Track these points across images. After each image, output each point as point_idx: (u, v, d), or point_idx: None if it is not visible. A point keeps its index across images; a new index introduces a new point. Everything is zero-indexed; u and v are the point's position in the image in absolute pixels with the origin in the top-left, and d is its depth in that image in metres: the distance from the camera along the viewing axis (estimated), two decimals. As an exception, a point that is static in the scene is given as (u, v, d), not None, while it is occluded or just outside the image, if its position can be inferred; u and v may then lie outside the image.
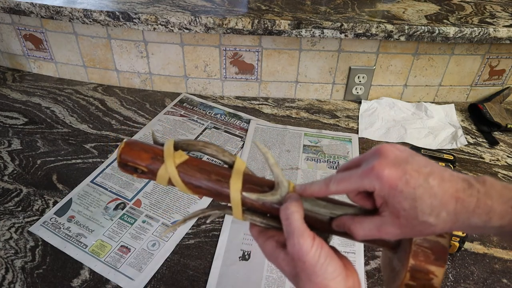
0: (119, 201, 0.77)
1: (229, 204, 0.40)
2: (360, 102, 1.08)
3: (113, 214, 0.75)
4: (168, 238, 0.71)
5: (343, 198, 0.40)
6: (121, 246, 0.70)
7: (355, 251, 0.70)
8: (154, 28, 0.95)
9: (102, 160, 0.86)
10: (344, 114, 1.04)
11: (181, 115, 1.01)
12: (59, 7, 0.95)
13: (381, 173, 0.34)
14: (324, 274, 0.35)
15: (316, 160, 0.89)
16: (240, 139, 0.94)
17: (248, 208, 0.40)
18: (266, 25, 0.93)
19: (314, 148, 0.92)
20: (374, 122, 1.01)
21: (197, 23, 0.93)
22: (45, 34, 1.06)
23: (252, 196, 0.39)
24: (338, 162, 0.88)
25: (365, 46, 1.00)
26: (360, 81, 1.05)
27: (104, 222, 0.73)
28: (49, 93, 1.07)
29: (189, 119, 1.00)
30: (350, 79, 1.05)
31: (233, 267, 0.67)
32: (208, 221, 0.74)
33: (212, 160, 0.78)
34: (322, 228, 0.40)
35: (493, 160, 0.91)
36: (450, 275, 0.67)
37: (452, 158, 0.84)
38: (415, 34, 0.94)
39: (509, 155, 0.93)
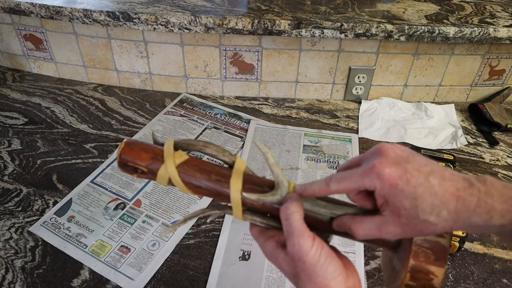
0: (119, 201, 0.77)
1: (229, 204, 0.40)
2: (360, 102, 1.08)
3: (113, 214, 0.75)
4: (168, 238, 0.71)
5: (343, 198, 0.40)
6: (121, 246, 0.70)
7: (355, 251, 0.70)
8: (154, 28, 0.95)
9: (102, 160, 0.86)
10: (344, 114, 1.04)
11: (181, 115, 1.01)
12: (59, 7, 0.95)
13: (381, 172, 0.34)
14: (324, 274, 0.35)
15: (316, 160, 0.89)
16: (240, 139, 0.94)
17: (248, 208, 0.40)
18: (266, 25, 0.93)
19: (314, 148, 0.92)
20: (374, 122, 1.01)
21: (197, 23, 0.93)
22: (45, 34, 1.06)
23: (252, 197, 0.39)
24: (338, 162, 0.88)
25: (365, 46, 1.00)
26: (360, 81, 1.05)
27: (104, 222, 0.73)
28: (49, 93, 1.07)
29: (189, 119, 1.00)
30: (350, 79, 1.05)
31: (233, 267, 0.67)
32: (208, 221, 0.74)
33: (212, 160, 0.78)
34: (322, 228, 0.40)
35: (493, 160, 0.91)
36: (450, 275, 0.67)
37: (452, 158, 0.85)
38: (415, 34, 0.94)
39: (509, 155, 0.93)
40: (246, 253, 0.69)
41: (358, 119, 1.03)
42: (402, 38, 0.95)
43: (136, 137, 0.93)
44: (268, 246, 0.39)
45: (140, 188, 0.80)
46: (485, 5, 1.08)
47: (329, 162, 0.88)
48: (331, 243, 0.40)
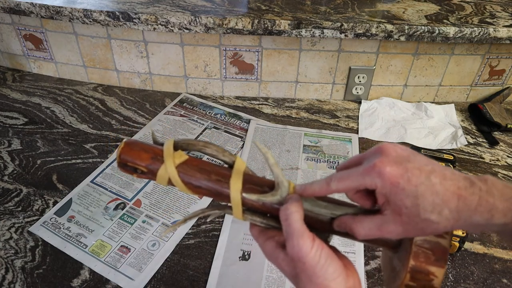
0: (119, 201, 0.77)
1: (229, 204, 0.40)
2: (360, 102, 1.08)
3: (113, 214, 0.75)
4: (168, 238, 0.71)
5: (344, 198, 0.40)
6: (121, 246, 0.70)
7: (355, 251, 0.70)
8: (154, 28, 0.95)
9: (102, 160, 0.86)
10: (344, 114, 1.04)
11: (181, 115, 1.01)
12: (59, 7, 0.95)
13: (382, 170, 0.33)
14: (324, 275, 0.35)
15: (316, 160, 0.89)
16: (240, 139, 0.94)
17: (248, 208, 0.40)
18: (266, 25, 0.93)
19: (314, 148, 0.92)
20: (374, 122, 1.01)
21: (197, 23, 0.93)
22: (45, 34, 1.06)
23: (252, 197, 0.39)
24: (338, 162, 0.88)
25: (365, 46, 1.00)
26: (360, 81, 1.05)
27: (104, 222, 0.73)
28: (49, 93, 1.07)
29: (189, 119, 1.00)
30: (350, 79, 1.05)
31: (233, 267, 0.67)
32: (208, 220, 0.74)
33: (212, 160, 0.78)
34: (322, 228, 0.40)
35: (493, 160, 0.91)
36: (450, 275, 0.67)
37: (452, 158, 0.85)
38: (415, 34, 0.94)
39: (509, 155, 0.93)
40: (246, 253, 0.69)
41: (358, 119, 1.03)
42: (402, 38, 0.95)
43: (136, 137, 0.93)
44: (268, 246, 0.39)
45: (140, 188, 0.80)
46: (485, 5, 1.08)
47: (329, 162, 0.88)
48: (331, 243, 0.40)
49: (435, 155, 0.85)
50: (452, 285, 0.66)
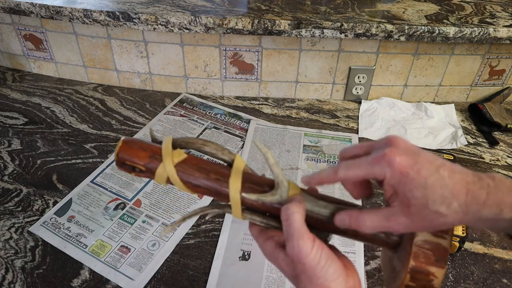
0: (119, 201, 0.77)
1: (228, 203, 0.40)
2: (360, 102, 1.08)
3: (113, 214, 0.75)
4: (168, 238, 0.71)
5: (345, 197, 0.40)
6: (121, 246, 0.70)
7: (355, 251, 0.70)
8: (154, 28, 0.95)
9: (102, 160, 0.86)
10: (344, 114, 1.04)
11: (181, 115, 1.01)
12: (59, 7, 0.95)
13: (393, 160, 0.33)
14: (325, 276, 0.35)
15: (316, 160, 0.89)
16: (240, 139, 0.94)
17: (248, 207, 0.40)
18: (266, 25, 0.93)
19: (314, 148, 0.92)
20: (374, 122, 1.01)
21: (197, 23, 0.93)
22: (45, 34, 1.06)
23: (251, 196, 0.39)
24: (338, 162, 0.88)
25: (365, 46, 1.00)
26: (360, 81, 1.05)
27: (104, 222, 0.73)
28: (49, 93, 1.07)
29: (189, 119, 1.00)
30: (350, 79, 1.05)
31: (233, 267, 0.67)
32: (207, 219, 0.74)
33: (212, 160, 0.78)
34: (322, 228, 0.39)
35: (493, 160, 0.91)
36: (450, 275, 0.67)
37: (452, 158, 0.85)
38: (415, 34, 0.94)
39: (509, 155, 0.93)
40: (246, 253, 0.69)
41: (358, 119, 1.03)
42: (402, 38, 0.95)
43: (136, 137, 0.93)
44: (268, 246, 0.39)
45: (140, 188, 0.80)
46: (485, 5, 1.08)
47: (329, 162, 0.88)
48: (331, 243, 0.40)
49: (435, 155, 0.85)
50: (452, 285, 0.66)
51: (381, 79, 1.06)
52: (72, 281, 0.64)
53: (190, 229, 0.73)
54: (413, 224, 0.34)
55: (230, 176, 0.40)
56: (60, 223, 0.73)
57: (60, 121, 0.97)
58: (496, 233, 0.74)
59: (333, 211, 0.39)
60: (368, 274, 0.67)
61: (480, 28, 0.93)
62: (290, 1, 1.04)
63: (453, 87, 1.09)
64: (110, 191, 0.79)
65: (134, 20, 0.94)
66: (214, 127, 0.97)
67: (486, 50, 1.01)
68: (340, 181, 0.37)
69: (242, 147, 0.92)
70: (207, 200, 0.79)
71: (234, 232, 0.73)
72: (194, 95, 1.09)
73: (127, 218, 0.74)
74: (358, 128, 0.99)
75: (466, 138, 0.97)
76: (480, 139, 0.98)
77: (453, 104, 1.08)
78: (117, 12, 0.93)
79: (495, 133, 0.99)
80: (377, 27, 0.92)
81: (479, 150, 0.94)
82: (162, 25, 0.94)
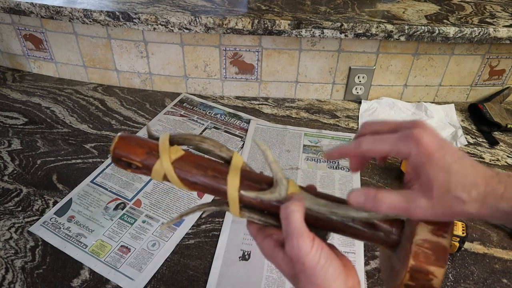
0: (119, 201, 0.77)
1: (226, 200, 0.40)
2: (360, 102, 1.08)
3: (113, 214, 0.75)
4: (168, 238, 0.71)
5: (345, 197, 0.40)
6: (121, 246, 0.70)
7: (355, 251, 0.70)
8: (154, 28, 0.95)
9: (102, 160, 0.86)
10: (344, 114, 1.04)
11: (181, 115, 1.01)
12: (59, 7, 0.95)
13: (421, 139, 0.33)
14: (324, 276, 0.35)
15: (316, 160, 0.89)
16: (240, 139, 0.94)
17: (246, 205, 0.40)
18: (266, 25, 0.93)
19: (314, 148, 0.92)
20: (374, 122, 1.00)
21: (197, 23, 0.93)
22: (45, 34, 1.06)
23: (250, 194, 0.38)
24: (338, 162, 0.88)
25: (365, 46, 1.00)
26: (360, 81, 1.05)
27: (104, 222, 0.73)
28: (49, 93, 1.07)
29: (189, 119, 1.00)
30: (350, 79, 1.05)
31: (233, 267, 0.67)
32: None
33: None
34: (321, 226, 0.39)
35: (493, 160, 0.91)
36: (450, 275, 0.67)
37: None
38: (415, 34, 0.94)
39: (509, 155, 0.93)
40: (246, 253, 0.69)
41: (358, 119, 1.03)
42: (402, 38, 0.95)
43: (136, 137, 0.93)
44: (266, 245, 0.38)
45: (140, 188, 0.80)
46: (485, 5, 1.08)
47: (329, 162, 0.88)
48: (331, 242, 0.40)
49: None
50: (452, 285, 0.66)
51: (381, 79, 1.06)
52: (72, 281, 0.64)
53: (190, 229, 0.73)
54: (433, 209, 0.33)
55: (228, 173, 0.39)
56: (60, 223, 0.73)
57: (60, 121, 0.97)
58: (497, 233, 0.74)
59: (332, 209, 0.39)
60: (368, 274, 0.67)
61: (480, 28, 0.93)
62: (290, 1, 1.04)
63: (453, 87, 1.09)
64: (110, 191, 0.79)
65: (134, 20, 0.94)
66: (214, 127, 0.97)
67: (486, 50, 1.01)
68: (362, 154, 0.37)
69: (242, 147, 0.92)
70: (207, 199, 0.78)
71: (234, 232, 0.73)
72: (194, 95, 1.09)
73: (127, 218, 0.74)
74: (358, 128, 0.99)
75: (466, 138, 0.97)
76: (480, 139, 0.97)
77: (453, 104, 1.08)
78: (117, 12, 0.93)
79: (495, 133, 0.99)
80: (377, 27, 0.92)
81: (479, 150, 0.94)
82: (162, 25, 0.94)
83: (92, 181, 0.81)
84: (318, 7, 1.01)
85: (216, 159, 0.42)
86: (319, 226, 0.39)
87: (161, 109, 1.03)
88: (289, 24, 0.92)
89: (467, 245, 0.71)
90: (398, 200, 0.34)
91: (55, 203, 0.76)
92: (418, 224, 0.35)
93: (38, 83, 1.11)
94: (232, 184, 0.38)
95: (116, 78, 1.10)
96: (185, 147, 0.42)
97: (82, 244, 0.69)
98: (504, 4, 1.09)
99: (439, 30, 0.93)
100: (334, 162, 0.88)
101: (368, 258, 0.69)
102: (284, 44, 1.00)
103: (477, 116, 1.03)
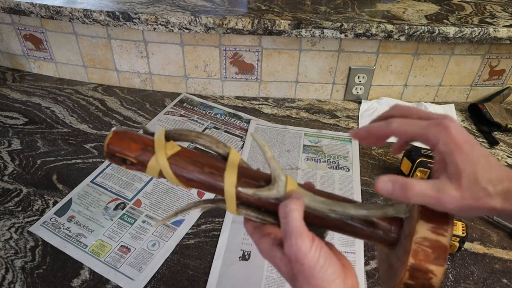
0: (119, 201, 0.77)
1: (223, 198, 0.39)
2: (360, 102, 1.08)
3: (113, 214, 0.75)
4: (168, 238, 0.71)
5: (346, 197, 0.40)
6: (121, 246, 0.70)
7: (355, 251, 0.70)
8: (154, 28, 0.95)
9: (102, 160, 0.86)
10: (344, 114, 1.04)
11: (181, 115, 1.01)
12: (59, 7, 0.95)
13: (450, 129, 0.34)
14: (323, 277, 0.34)
15: (316, 160, 0.89)
16: (240, 139, 0.94)
17: (243, 202, 0.39)
18: (266, 25, 0.93)
19: (314, 148, 0.92)
20: (374, 122, 1.00)
21: (197, 23, 0.93)
22: (45, 34, 1.06)
23: (248, 191, 0.37)
24: (338, 162, 0.88)
25: (365, 46, 1.00)
26: (360, 81, 1.05)
27: (104, 222, 0.73)
28: (49, 93, 1.07)
29: (189, 119, 1.00)
30: (350, 79, 1.05)
31: (233, 267, 0.67)
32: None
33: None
34: (320, 224, 0.39)
35: (493, 160, 0.91)
36: (450, 275, 0.67)
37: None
38: (415, 34, 0.94)
39: (509, 155, 0.93)
40: (246, 253, 0.69)
41: (358, 119, 1.03)
42: (402, 38, 0.95)
43: (136, 137, 0.93)
44: (264, 243, 0.38)
45: (140, 188, 0.80)
46: (485, 5, 1.08)
47: (329, 162, 0.88)
48: (330, 241, 0.40)
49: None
50: (452, 285, 0.66)
51: (381, 79, 1.06)
52: (72, 281, 0.64)
53: (190, 229, 0.73)
54: (462, 200, 0.33)
55: (225, 170, 0.38)
56: (60, 223, 0.73)
57: (60, 121, 0.97)
58: (497, 233, 0.74)
59: (330, 207, 0.38)
60: (368, 274, 0.67)
61: (480, 28, 0.93)
62: (290, 1, 1.04)
63: (453, 87, 1.09)
64: (110, 191, 0.79)
65: (134, 20, 0.94)
66: (214, 127, 0.97)
67: (486, 50, 1.01)
68: (390, 135, 0.37)
69: (242, 147, 0.92)
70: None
71: (234, 232, 0.73)
72: (194, 95, 1.09)
73: (127, 218, 0.74)
74: (358, 128, 0.99)
75: (466, 138, 0.97)
76: (480, 139, 0.97)
77: (453, 104, 1.08)
78: (117, 12, 0.93)
79: (495, 133, 0.99)
80: (377, 27, 0.92)
81: (479, 150, 0.94)
82: (162, 25, 0.94)
83: (92, 181, 0.81)
84: (318, 7, 1.01)
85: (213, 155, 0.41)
86: (317, 224, 0.38)
87: (161, 109, 1.03)
88: (289, 24, 0.92)
89: (467, 245, 0.71)
90: (428, 188, 0.33)
91: (55, 203, 0.76)
92: (418, 222, 0.35)
93: (38, 83, 1.11)
94: (229, 180, 0.38)
95: (116, 78, 1.10)
96: (181, 143, 0.41)
97: (82, 244, 0.69)
98: (504, 4, 1.09)
99: (439, 30, 0.93)
100: (334, 162, 0.88)
101: (368, 258, 0.69)
102: (284, 44, 1.00)
103: (477, 116, 1.03)
